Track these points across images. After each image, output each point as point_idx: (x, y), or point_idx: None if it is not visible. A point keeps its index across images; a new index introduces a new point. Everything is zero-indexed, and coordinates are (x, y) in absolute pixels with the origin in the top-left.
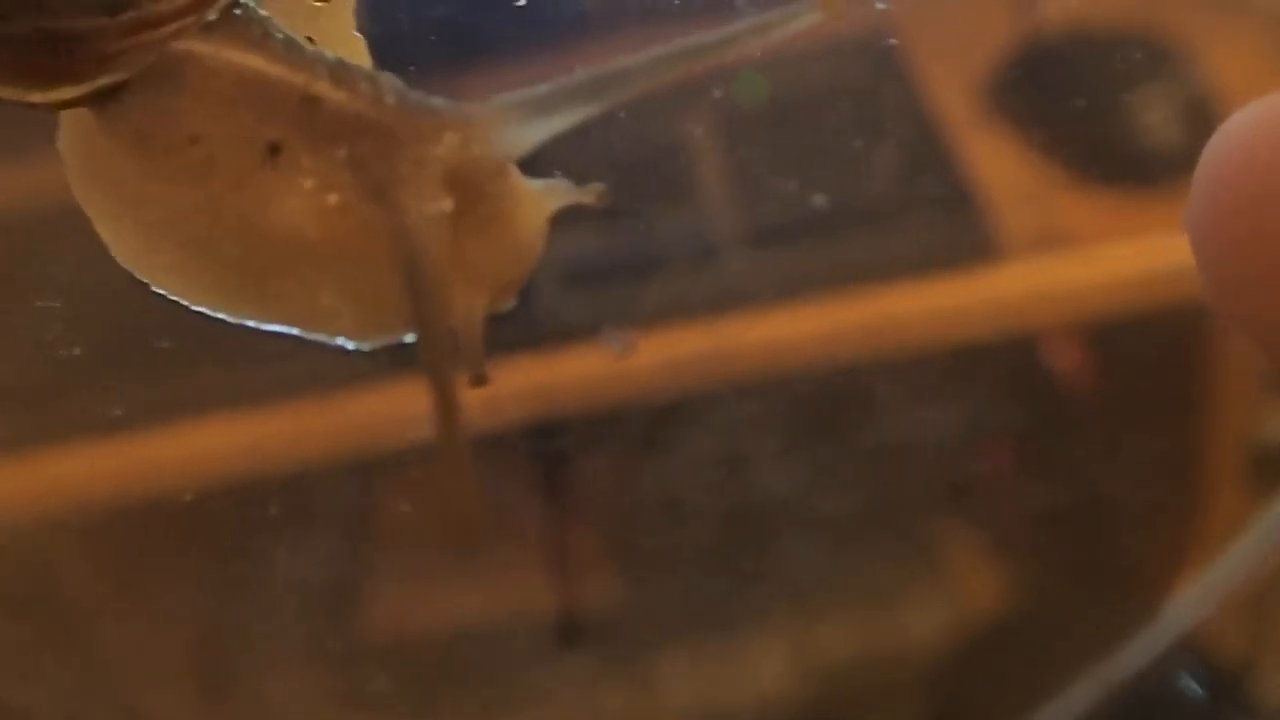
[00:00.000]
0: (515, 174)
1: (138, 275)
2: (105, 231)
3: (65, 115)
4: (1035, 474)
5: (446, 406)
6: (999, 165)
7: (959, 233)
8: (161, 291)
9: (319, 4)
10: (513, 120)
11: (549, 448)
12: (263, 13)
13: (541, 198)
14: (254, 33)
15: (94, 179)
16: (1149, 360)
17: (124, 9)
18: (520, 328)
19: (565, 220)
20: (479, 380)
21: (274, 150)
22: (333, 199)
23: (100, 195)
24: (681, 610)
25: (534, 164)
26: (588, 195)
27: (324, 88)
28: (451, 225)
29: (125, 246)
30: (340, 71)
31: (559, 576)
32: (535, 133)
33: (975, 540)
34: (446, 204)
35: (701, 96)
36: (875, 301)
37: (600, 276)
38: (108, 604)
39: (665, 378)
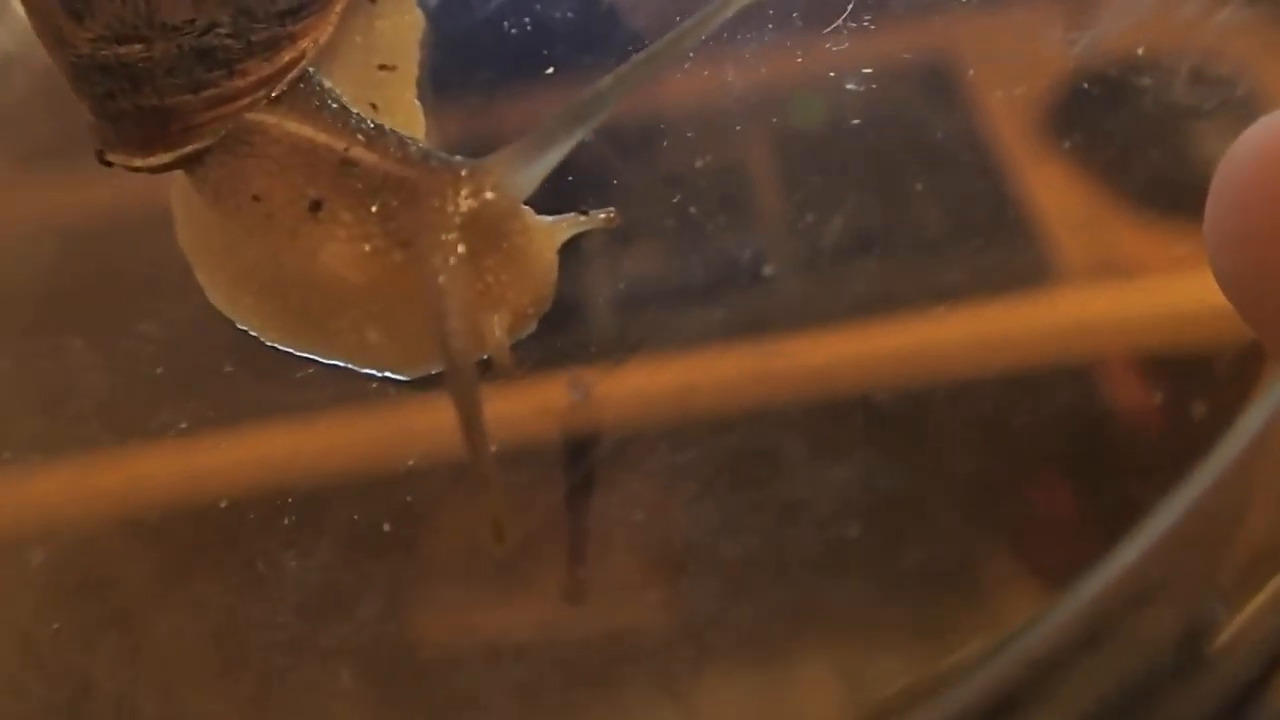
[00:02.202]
0: (527, 213)
1: (226, 315)
2: (200, 277)
3: (173, 176)
4: (1091, 512)
5: (472, 430)
6: (1056, 192)
7: (1014, 259)
8: (243, 329)
9: (384, 73)
10: (517, 165)
11: (592, 464)
12: (326, 83)
13: (552, 231)
14: (310, 104)
15: (191, 232)
16: (1208, 394)
17: (205, 87)
18: (576, 345)
19: (623, 240)
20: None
21: (316, 206)
22: (368, 248)
23: (195, 246)
24: (728, 637)
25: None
26: (596, 222)
27: (360, 152)
28: (473, 264)
29: (215, 290)
30: (376, 135)
31: (595, 596)
32: (537, 171)
33: (1028, 576)
34: (463, 248)
35: (756, 120)
36: (927, 326)
37: (653, 296)
38: (158, 594)
39: (720, 395)
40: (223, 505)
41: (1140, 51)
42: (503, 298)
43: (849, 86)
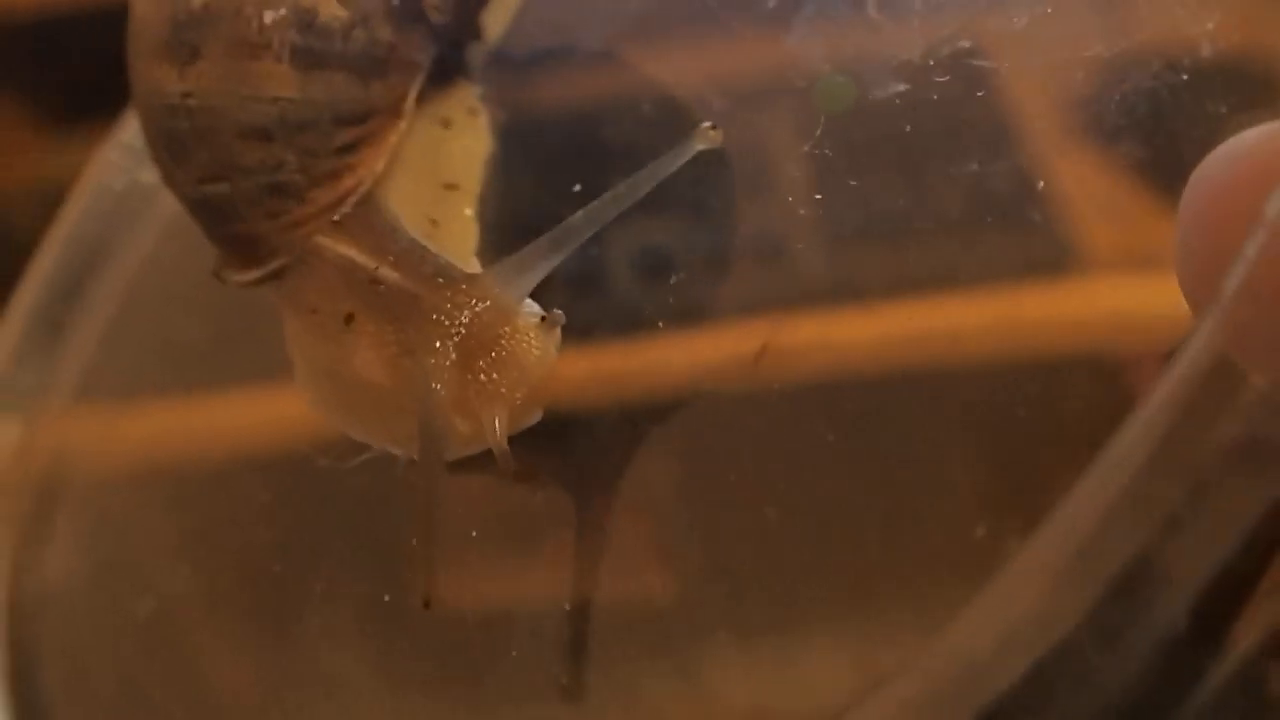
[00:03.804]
0: (520, 317)
1: (307, 403)
2: (296, 371)
3: None
4: None
5: (426, 515)
6: (1086, 183)
7: (1040, 246)
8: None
9: (447, 191)
10: (508, 278)
11: (621, 432)
12: (388, 203)
13: (545, 331)
14: (363, 225)
15: (287, 335)
16: None
17: (280, 215)
18: (597, 317)
19: (645, 214)
20: (516, 475)
21: (349, 320)
22: (386, 355)
23: (289, 346)
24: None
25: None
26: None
27: (386, 271)
28: (464, 367)
29: (298, 382)
30: (404, 254)
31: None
32: (525, 285)
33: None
34: (455, 355)
35: (782, 101)
36: (948, 310)
37: (671, 272)
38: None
39: (733, 370)
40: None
41: (1178, 47)
42: (496, 395)
43: (880, 71)
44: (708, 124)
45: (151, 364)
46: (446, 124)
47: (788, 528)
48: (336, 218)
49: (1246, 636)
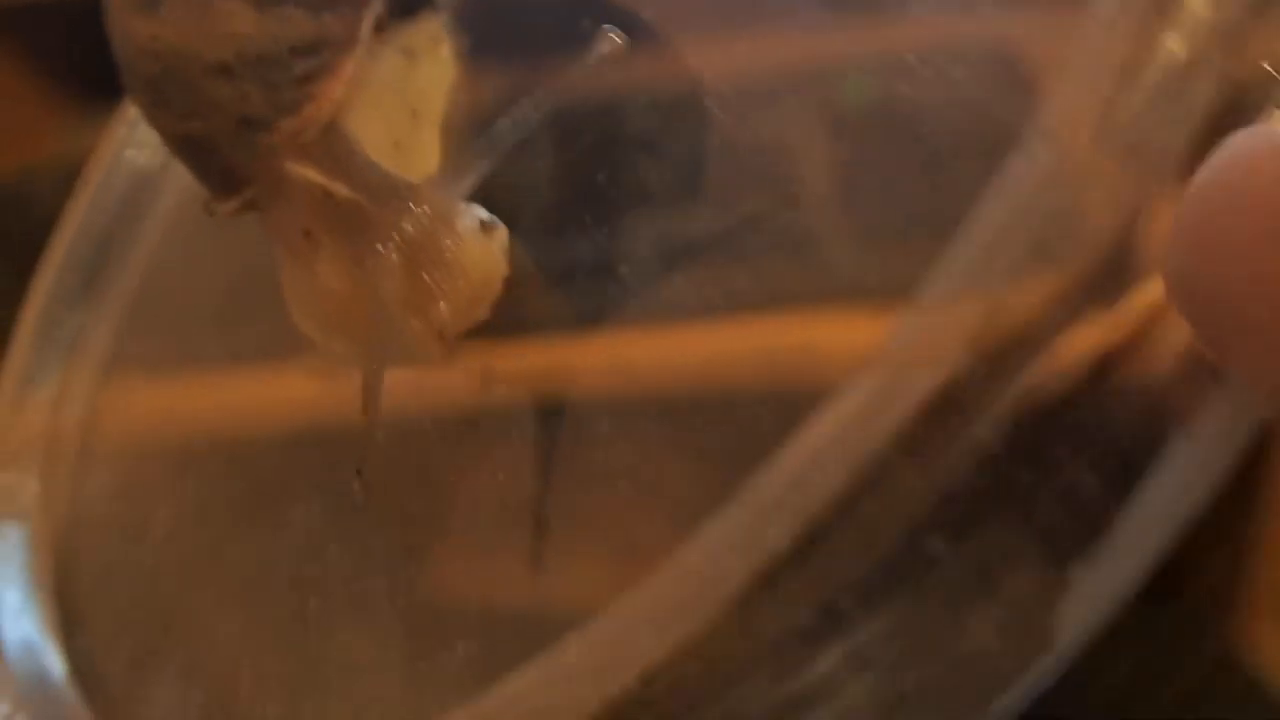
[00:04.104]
0: (461, 223)
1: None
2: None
3: None
4: None
5: (370, 400)
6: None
7: None
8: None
9: (412, 117)
10: (444, 186)
11: (633, 425)
12: (351, 128)
13: (483, 234)
14: (325, 149)
15: (275, 264)
16: None
17: (252, 145)
18: (606, 302)
19: (659, 201)
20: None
21: (307, 235)
22: (340, 265)
23: (278, 274)
24: None
25: None
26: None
27: (339, 185)
28: (408, 270)
29: (290, 310)
30: (355, 169)
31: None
32: (460, 189)
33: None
34: (397, 257)
35: (807, 96)
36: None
37: (690, 263)
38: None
39: (751, 364)
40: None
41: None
42: (439, 292)
43: (906, 68)
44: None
45: (172, 337)
46: (409, 53)
47: None
48: (301, 144)
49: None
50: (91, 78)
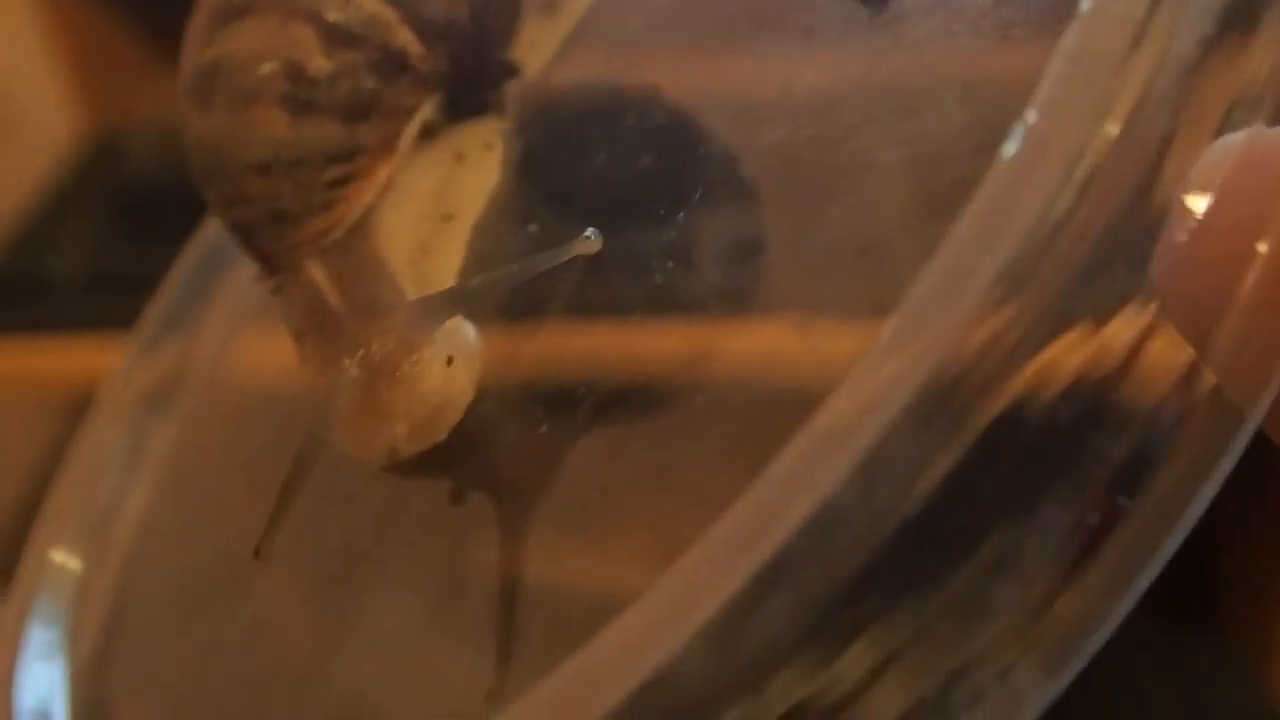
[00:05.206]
0: (427, 349)
1: None
2: None
3: None
4: None
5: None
6: None
7: None
8: None
9: (444, 221)
10: (414, 319)
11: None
12: (377, 230)
13: (445, 367)
14: (342, 252)
15: None
16: None
17: (283, 237)
18: (629, 298)
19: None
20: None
21: (298, 337)
22: (315, 369)
23: None
24: None
25: None
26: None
27: (334, 296)
28: (367, 388)
29: None
30: (358, 283)
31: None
32: (429, 325)
33: None
34: (356, 373)
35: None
36: None
37: (744, 262)
38: None
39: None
40: None
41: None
42: (394, 412)
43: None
44: (589, 232)
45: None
46: (460, 157)
47: None
48: (327, 243)
49: None
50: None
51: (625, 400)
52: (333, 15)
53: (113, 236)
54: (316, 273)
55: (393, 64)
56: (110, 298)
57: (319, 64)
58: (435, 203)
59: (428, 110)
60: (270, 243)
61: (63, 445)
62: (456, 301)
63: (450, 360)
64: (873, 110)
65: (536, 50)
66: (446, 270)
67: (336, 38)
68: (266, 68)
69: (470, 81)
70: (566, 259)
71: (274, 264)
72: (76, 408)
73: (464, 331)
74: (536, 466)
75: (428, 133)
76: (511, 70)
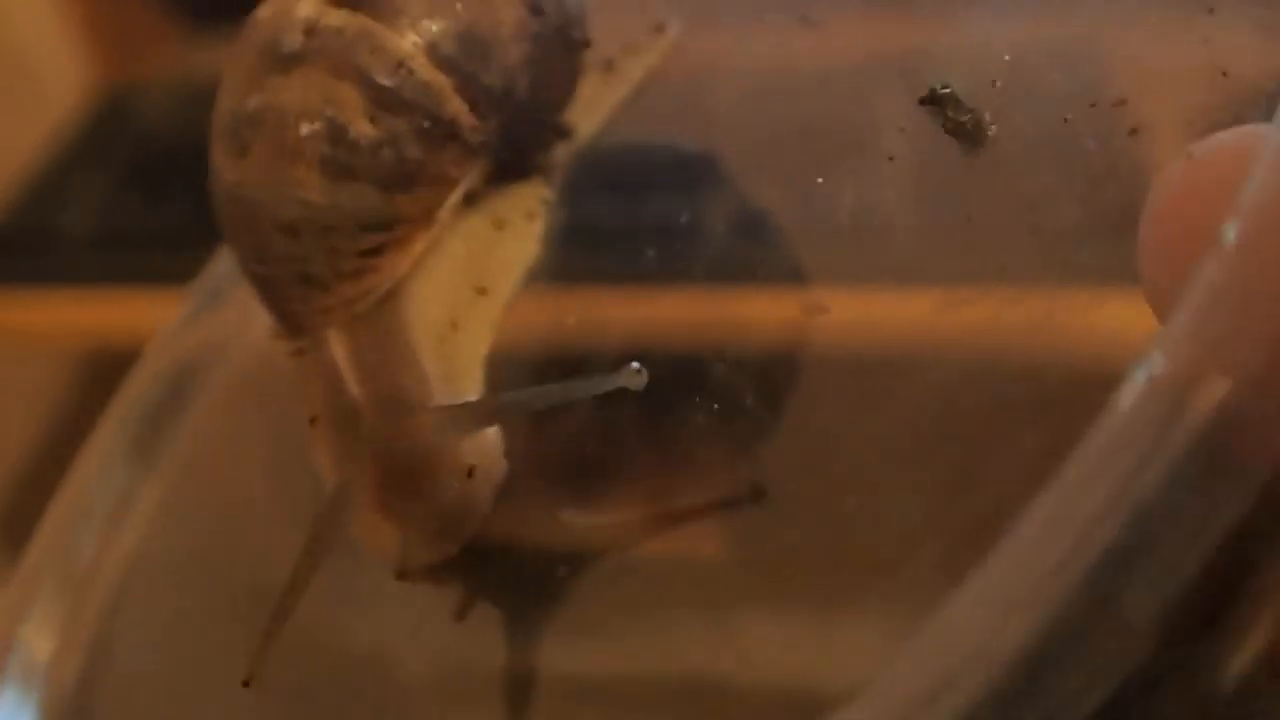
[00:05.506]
0: (446, 460)
1: None
2: None
3: None
4: None
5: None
6: None
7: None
8: None
9: (477, 294)
10: (442, 428)
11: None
12: (408, 303)
13: (467, 479)
14: (367, 326)
15: None
16: None
17: (309, 300)
18: (691, 266)
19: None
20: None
21: (313, 422)
22: (330, 461)
23: None
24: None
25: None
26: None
27: (353, 383)
28: (379, 492)
29: None
30: (380, 370)
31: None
32: (456, 434)
33: None
34: (368, 478)
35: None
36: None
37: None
38: None
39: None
40: None
41: None
42: (407, 520)
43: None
44: (635, 365)
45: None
46: (500, 225)
47: (838, 496)
48: (355, 311)
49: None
50: None
51: None
52: (383, 79)
53: (123, 192)
54: (339, 349)
55: (441, 134)
56: (119, 253)
57: (362, 129)
58: (469, 273)
59: (472, 179)
60: (294, 304)
61: (71, 398)
62: (487, 416)
63: (472, 472)
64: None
65: (590, 112)
66: (475, 350)
67: (384, 103)
68: (308, 128)
69: (519, 150)
70: (609, 389)
71: (297, 326)
72: (85, 361)
73: (491, 442)
74: (550, 578)
75: (469, 199)
76: (563, 132)
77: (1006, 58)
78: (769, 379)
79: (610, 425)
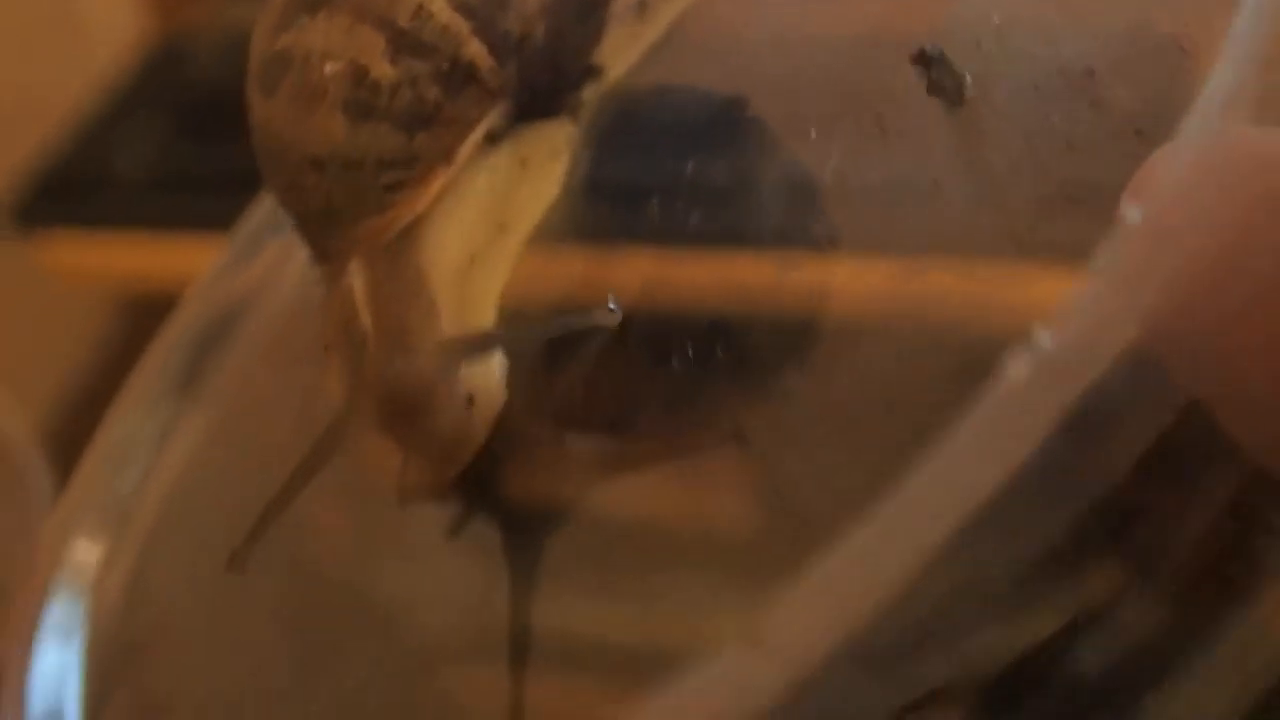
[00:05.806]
0: (442, 388)
1: None
2: None
3: None
4: None
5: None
6: None
7: None
8: None
9: (497, 231)
10: (437, 359)
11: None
12: (428, 238)
13: (462, 408)
14: (386, 258)
15: None
16: None
17: (333, 233)
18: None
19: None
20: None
21: (327, 349)
22: (337, 387)
23: None
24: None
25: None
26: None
27: (363, 312)
28: (380, 417)
29: None
30: (392, 301)
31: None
32: (450, 366)
33: None
34: (369, 402)
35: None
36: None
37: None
38: None
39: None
40: None
41: None
42: (407, 445)
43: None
44: (610, 305)
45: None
46: (524, 163)
47: (860, 472)
48: (379, 242)
49: None
50: None
51: None
52: (403, 22)
53: (174, 138)
54: (356, 281)
55: (460, 76)
56: (170, 197)
57: (383, 70)
58: (491, 209)
59: (492, 120)
60: (321, 235)
61: (120, 338)
62: (486, 347)
63: (471, 399)
64: None
65: (621, 54)
66: (490, 285)
67: (404, 45)
68: (330, 68)
69: (540, 94)
70: (586, 326)
71: (324, 254)
72: (135, 303)
73: (492, 373)
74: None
75: (492, 138)
76: (593, 72)
77: (995, 20)
78: (738, 338)
79: (606, 374)
